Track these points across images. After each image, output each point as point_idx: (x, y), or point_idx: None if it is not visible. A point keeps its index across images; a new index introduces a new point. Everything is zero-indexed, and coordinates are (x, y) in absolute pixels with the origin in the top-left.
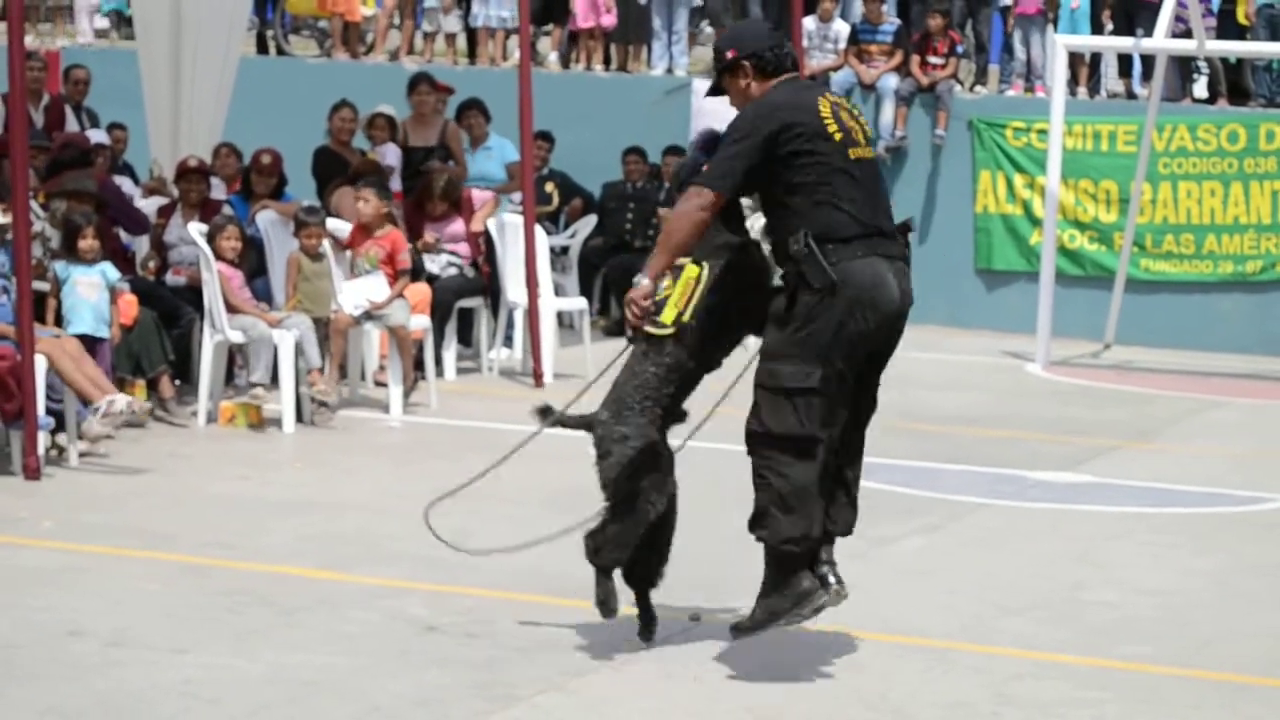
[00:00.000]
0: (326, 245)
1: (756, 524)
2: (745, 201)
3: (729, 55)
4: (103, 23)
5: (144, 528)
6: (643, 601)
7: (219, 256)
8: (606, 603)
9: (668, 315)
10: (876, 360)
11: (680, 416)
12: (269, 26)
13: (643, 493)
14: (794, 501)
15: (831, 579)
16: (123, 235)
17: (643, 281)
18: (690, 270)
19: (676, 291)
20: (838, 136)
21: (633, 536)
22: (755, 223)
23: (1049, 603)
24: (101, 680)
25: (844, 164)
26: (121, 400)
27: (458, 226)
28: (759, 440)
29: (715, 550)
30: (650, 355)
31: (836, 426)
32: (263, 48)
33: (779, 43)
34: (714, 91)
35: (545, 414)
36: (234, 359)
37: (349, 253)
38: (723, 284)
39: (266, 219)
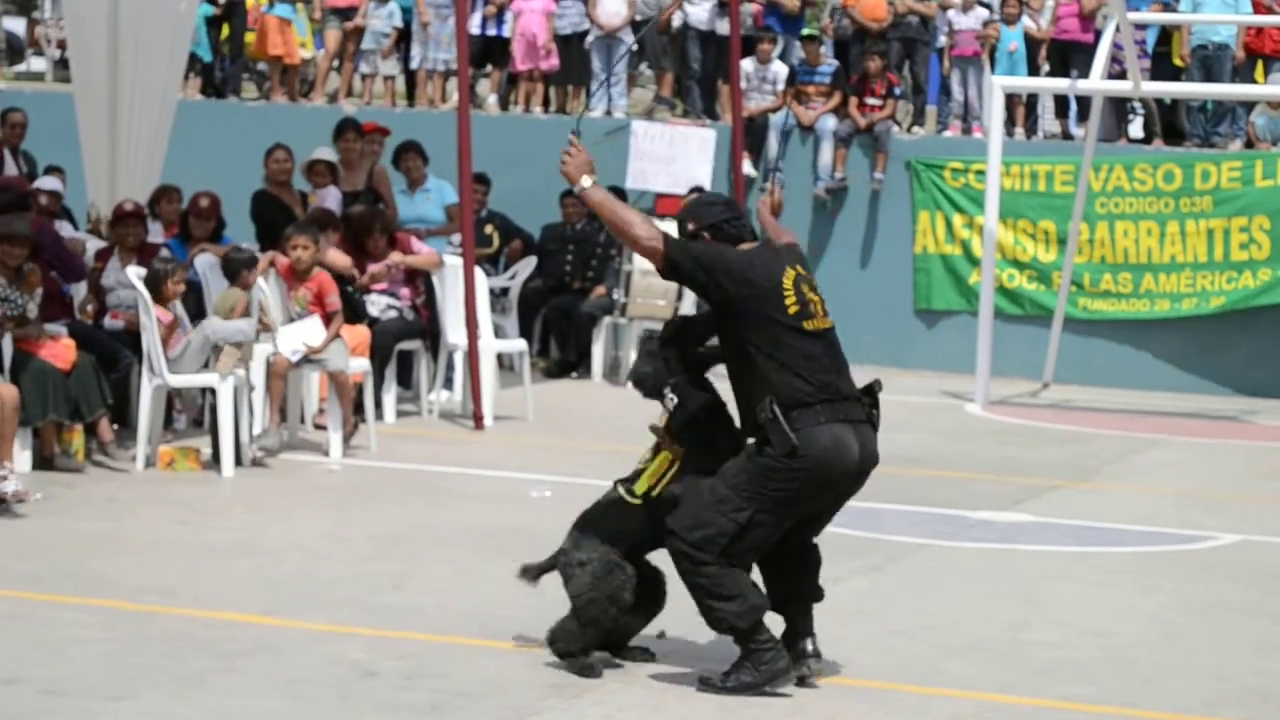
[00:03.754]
0: (262, 283)
1: (710, 623)
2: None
3: (690, 227)
4: (40, 63)
5: (81, 573)
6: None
7: (163, 302)
8: (584, 674)
9: (640, 487)
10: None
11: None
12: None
13: (598, 604)
14: (723, 589)
15: (810, 647)
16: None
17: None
18: (666, 455)
19: (653, 468)
20: (794, 310)
21: (588, 640)
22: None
23: (990, 643)
24: None
25: (799, 332)
26: (10, 484)
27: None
28: (674, 542)
29: None
30: (623, 506)
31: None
32: (207, 89)
33: (736, 215)
34: None
35: (527, 573)
36: (172, 403)
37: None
38: (695, 465)
39: (205, 262)
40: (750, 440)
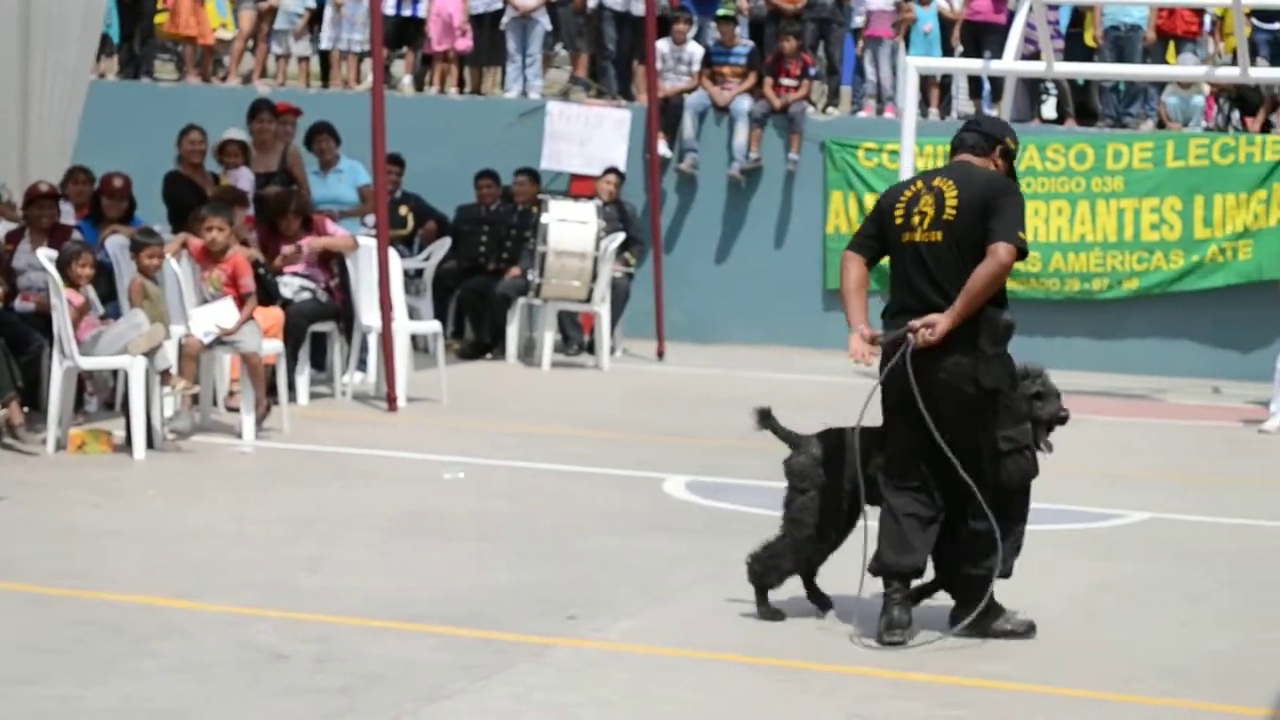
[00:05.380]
0: (173, 263)
1: None
2: (600, 223)
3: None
4: None
5: None
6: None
7: (73, 284)
8: (772, 618)
9: None
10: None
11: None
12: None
13: (820, 536)
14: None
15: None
16: None
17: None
18: None
19: None
20: (898, 221)
21: (796, 569)
22: (610, 244)
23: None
24: None
25: (898, 247)
26: None
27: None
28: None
29: (566, 573)
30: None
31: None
32: (125, 70)
33: (961, 131)
34: None
35: (765, 417)
36: (83, 385)
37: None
38: None
39: (116, 244)
40: None
